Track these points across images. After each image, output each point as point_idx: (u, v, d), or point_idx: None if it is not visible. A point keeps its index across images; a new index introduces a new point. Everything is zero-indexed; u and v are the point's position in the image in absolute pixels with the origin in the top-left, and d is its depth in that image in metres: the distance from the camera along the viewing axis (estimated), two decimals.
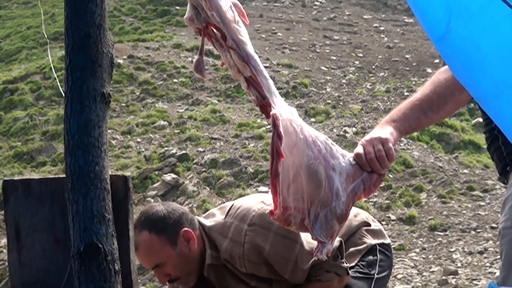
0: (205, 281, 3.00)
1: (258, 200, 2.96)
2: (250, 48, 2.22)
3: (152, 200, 9.22)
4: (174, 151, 10.49)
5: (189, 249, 2.92)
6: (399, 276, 6.84)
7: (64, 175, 2.02)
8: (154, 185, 9.65)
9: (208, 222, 2.99)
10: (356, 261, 3.10)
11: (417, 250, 7.70)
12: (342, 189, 2.32)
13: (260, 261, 2.90)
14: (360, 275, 3.07)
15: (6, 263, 2.63)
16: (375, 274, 3.12)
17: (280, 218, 2.23)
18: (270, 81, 2.25)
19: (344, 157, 2.35)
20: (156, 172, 9.96)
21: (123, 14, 18.90)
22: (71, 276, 1.97)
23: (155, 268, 2.92)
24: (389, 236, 7.83)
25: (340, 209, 2.32)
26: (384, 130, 2.43)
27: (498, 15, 1.76)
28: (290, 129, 2.21)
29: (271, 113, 2.17)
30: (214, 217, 3.02)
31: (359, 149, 2.35)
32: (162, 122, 11.83)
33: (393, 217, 8.35)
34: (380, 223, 8.07)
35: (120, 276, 1.99)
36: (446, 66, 2.51)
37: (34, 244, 2.09)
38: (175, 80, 13.45)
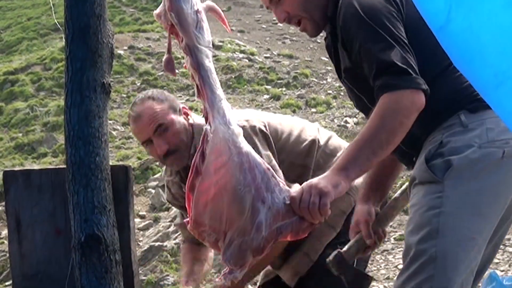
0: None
1: (244, 117, 3.09)
2: (204, 57, 2.21)
3: (153, 191, 9.23)
4: None
5: (188, 123, 2.96)
6: (400, 266, 6.84)
7: (64, 166, 2.02)
8: (155, 176, 9.65)
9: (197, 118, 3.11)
10: None
11: None
12: (266, 224, 2.27)
13: None
14: None
15: (7, 254, 2.63)
16: None
17: (193, 231, 2.23)
18: (217, 97, 2.23)
19: (281, 193, 2.29)
20: (157, 163, 9.97)
21: (123, 5, 18.86)
22: (72, 266, 1.98)
23: (156, 132, 2.84)
24: (390, 226, 7.84)
25: (257, 242, 2.27)
26: (331, 180, 2.35)
27: (498, 5, 1.76)
28: (224, 149, 2.20)
29: (204, 127, 2.19)
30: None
31: (297, 194, 2.32)
32: None
33: None
34: None
35: (121, 266, 1.99)
36: (385, 95, 2.46)
37: (34, 235, 2.10)
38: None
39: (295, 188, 2.33)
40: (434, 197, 2.49)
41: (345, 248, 2.93)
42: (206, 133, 2.20)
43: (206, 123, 2.24)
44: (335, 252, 2.89)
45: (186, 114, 2.99)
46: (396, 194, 3.09)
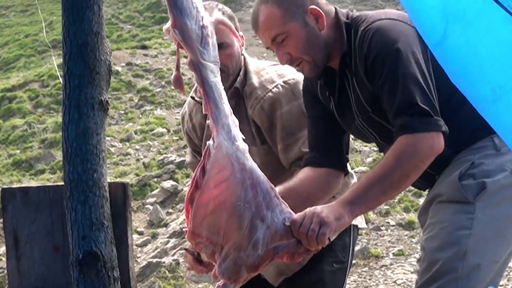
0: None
1: (299, 75, 3.03)
2: (209, 73, 2.21)
3: (151, 208, 9.22)
4: (173, 158, 10.49)
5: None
6: (398, 282, 6.83)
7: (62, 183, 2.02)
8: (153, 192, 9.65)
9: (250, 59, 3.09)
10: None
11: (417, 255, 7.70)
12: (263, 243, 2.27)
13: (270, 115, 2.97)
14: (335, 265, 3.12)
15: (5, 271, 2.63)
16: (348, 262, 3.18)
17: (190, 241, 2.26)
18: (222, 112, 2.23)
19: (282, 214, 2.29)
20: (155, 179, 9.96)
21: (121, 22, 18.93)
22: (70, 283, 1.97)
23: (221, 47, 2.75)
24: (388, 242, 7.84)
25: (252, 260, 2.27)
26: (335, 212, 2.35)
27: (495, 20, 1.76)
28: (226, 164, 2.20)
29: (207, 142, 2.21)
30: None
31: (299, 218, 2.32)
32: (160, 129, 11.83)
33: (392, 222, 8.34)
34: (380, 228, 8.10)
35: (119, 283, 1.99)
36: (403, 136, 2.47)
37: (32, 251, 2.09)
38: (173, 87, 13.46)
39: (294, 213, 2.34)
40: (464, 217, 2.52)
41: None
42: (209, 148, 2.20)
43: (210, 139, 2.27)
44: None
45: (242, 44, 3.00)
46: None
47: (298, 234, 2.29)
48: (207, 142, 2.22)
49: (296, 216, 2.29)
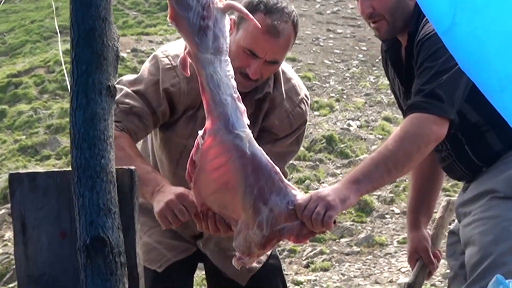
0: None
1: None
2: (206, 65, 2.26)
3: None
4: None
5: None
6: (403, 270, 6.84)
7: (69, 168, 2.03)
8: None
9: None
10: None
11: None
12: (267, 225, 2.33)
13: (294, 131, 2.98)
14: None
15: (12, 256, 2.64)
16: None
17: (204, 212, 2.41)
18: (219, 103, 2.27)
19: (286, 197, 2.34)
20: None
21: (126, 8, 18.89)
22: (77, 269, 1.98)
23: (267, 62, 2.78)
24: (393, 230, 7.84)
25: (258, 239, 2.35)
26: (340, 194, 2.38)
27: (503, 10, 1.76)
28: (222, 151, 2.29)
29: (206, 126, 2.29)
30: None
31: (304, 201, 2.33)
32: None
33: (397, 211, 8.34)
34: (384, 216, 8.10)
35: (126, 269, 2.00)
36: (410, 115, 2.49)
37: (40, 237, 2.10)
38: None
39: (300, 195, 2.36)
40: None
41: (411, 279, 2.99)
42: (198, 140, 2.30)
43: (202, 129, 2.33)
44: (404, 285, 2.95)
45: None
46: (441, 213, 3.15)
47: (302, 217, 2.31)
48: (198, 132, 2.30)
49: (301, 199, 2.31)
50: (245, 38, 2.72)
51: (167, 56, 2.90)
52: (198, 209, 2.42)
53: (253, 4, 2.72)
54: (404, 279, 3.15)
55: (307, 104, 3.01)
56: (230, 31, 2.82)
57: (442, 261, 6.85)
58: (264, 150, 2.78)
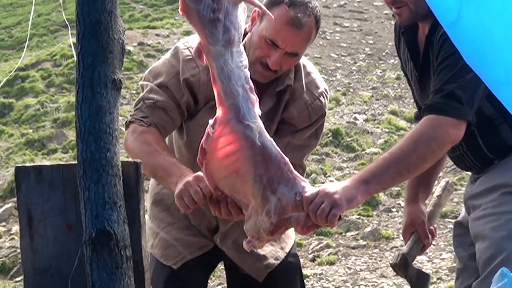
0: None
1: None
2: (217, 57, 2.28)
3: None
4: None
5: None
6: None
7: (75, 162, 2.03)
8: None
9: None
10: None
11: None
12: (275, 213, 2.36)
13: (312, 123, 3.00)
14: None
15: (19, 249, 2.65)
16: None
17: (216, 194, 2.46)
18: (230, 94, 2.30)
19: (294, 188, 2.36)
20: None
21: (133, 1, 18.89)
22: (82, 262, 1.99)
23: (288, 53, 2.82)
24: (399, 223, 7.83)
25: (267, 226, 2.38)
26: (347, 193, 2.37)
27: (509, 2, 1.76)
28: (233, 140, 2.33)
29: (217, 116, 2.33)
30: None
31: (311, 195, 2.33)
32: None
33: (403, 204, 8.33)
34: (391, 210, 8.09)
35: (131, 262, 2.00)
36: (428, 117, 2.47)
37: (46, 230, 2.10)
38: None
39: (309, 187, 2.37)
40: None
41: (406, 250, 2.99)
42: (208, 128, 2.34)
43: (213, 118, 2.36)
44: (399, 255, 2.95)
45: None
46: (438, 192, 3.16)
47: (308, 210, 2.32)
48: (209, 121, 2.34)
49: (309, 193, 2.32)
50: (267, 29, 2.76)
51: (188, 48, 2.93)
52: (211, 191, 2.45)
53: None
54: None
55: (327, 97, 3.04)
56: (253, 22, 2.84)
57: (449, 254, 6.85)
58: (283, 143, 2.78)
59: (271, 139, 2.37)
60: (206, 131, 2.36)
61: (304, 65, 3.00)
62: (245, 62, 2.33)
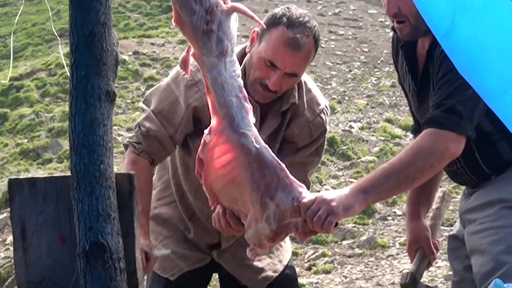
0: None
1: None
2: (211, 67, 2.31)
3: None
4: None
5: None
6: (404, 272, 6.84)
7: (69, 174, 2.03)
8: None
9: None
10: None
11: None
12: (274, 219, 2.38)
13: (313, 141, 3.02)
14: None
15: (12, 261, 2.64)
16: None
17: (215, 207, 2.49)
18: (224, 104, 2.32)
19: (291, 194, 2.38)
20: None
21: (128, 10, 18.90)
22: (76, 274, 1.98)
23: (288, 74, 2.83)
24: (395, 231, 7.83)
25: (267, 232, 2.41)
26: (345, 201, 2.38)
27: (502, 12, 1.76)
28: (229, 149, 2.35)
29: (212, 126, 2.36)
30: None
31: (308, 201, 2.34)
32: None
33: (399, 212, 8.33)
34: (386, 218, 8.09)
35: (125, 274, 1.99)
36: (428, 130, 2.48)
37: (39, 242, 2.10)
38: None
39: (306, 193, 2.38)
40: None
41: (413, 268, 3.00)
42: (204, 139, 2.37)
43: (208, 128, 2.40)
44: (408, 275, 2.96)
45: None
46: (437, 204, 3.17)
47: (305, 216, 2.33)
48: (205, 132, 2.38)
49: (306, 198, 2.33)
50: (266, 50, 2.77)
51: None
52: (212, 204, 2.46)
53: (276, 17, 2.78)
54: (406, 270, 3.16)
55: (327, 114, 3.05)
56: (252, 43, 2.84)
57: (444, 262, 6.84)
58: (285, 161, 2.81)
59: (266, 146, 2.38)
60: (202, 141, 2.37)
61: (305, 82, 3.00)
62: (238, 71, 2.35)
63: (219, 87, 2.31)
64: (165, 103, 2.91)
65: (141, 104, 3.02)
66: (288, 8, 2.81)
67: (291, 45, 2.72)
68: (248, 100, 2.36)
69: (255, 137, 2.36)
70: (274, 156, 2.39)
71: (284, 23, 2.74)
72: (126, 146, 2.89)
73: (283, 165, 2.39)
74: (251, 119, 2.36)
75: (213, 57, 2.29)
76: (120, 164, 2.91)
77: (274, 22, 2.77)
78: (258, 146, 2.35)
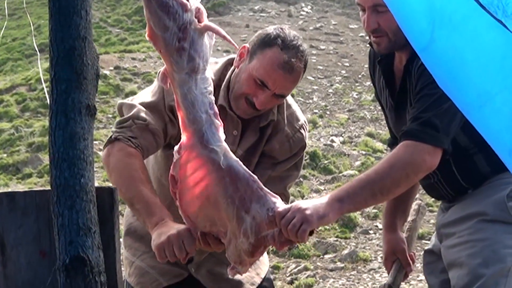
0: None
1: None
2: (182, 83, 2.32)
3: None
4: None
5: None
6: (381, 284, 6.85)
7: (49, 188, 2.02)
8: None
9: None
10: None
11: None
12: (252, 232, 2.38)
13: (293, 155, 3.01)
14: None
15: None
16: None
17: (197, 233, 2.47)
18: (193, 120, 2.34)
19: (266, 205, 2.38)
20: None
21: (109, 25, 18.89)
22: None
23: (276, 95, 2.82)
24: (377, 245, 7.84)
25: (246, 247, 2.40)
26: (319, 210, 2.39)
27: (481, 26, 1.77)
28: (200, 165, 2.36)
29: (182, 141, 2.36)
30: None
31: (283, 210, 2.35)
32: None
33: (380, 226, 8.34)
34: (368, 232, 8.11)
35: (106, 287, 1.99)
36: (404, 142, 2.51)
37: (19, 257, 2.08)
38: None
39: (280, 203, 2.38)
40: (510, 237, 2.62)
41: (390, 280, 3.01)
42: (174, 156, 2.38)
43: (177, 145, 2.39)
44: (385, 285, 2.99)
45: None
46: (412, 216, 3.19)
47: (280, 225, 2.34)
48: (182, 142, 2.37)
49: (281, 208, 2.34)
50: (258, 69, 2.77)
51: None
52: (193, 231, 2.44)
53: (270, 38, 2.78)
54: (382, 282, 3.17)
55: (306, 130, 3.07)
56: (241, 57, 2.83)
57: (423, 277, 6.87)
58: (264, 176, 2.78)
59: (237, 159, 2.38)
60: (174, 160, 2.37)
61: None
62: (210, 88, 2.36)
63: (189, 104, 2.33)
64: (157, 97, 2.88)
65: (123, 101, 2.91)
66: (281, 29, 2.82)
67: (285, 68, 2.74)
68: (218, 117, 2.37)
69: (225, 152, 2.37)
70: (246, 168, 2.39)
71: (279, 44, 2.76)
72: (113, 141, 2.78)
73: (256, 177, 2.39)
74: (222, 135, 2.37)
75: (184, 73, 2.30)
76: (105, 159, 2.79)
77: (268, 42, 2.78)
78: (228, 160, 2.36)
